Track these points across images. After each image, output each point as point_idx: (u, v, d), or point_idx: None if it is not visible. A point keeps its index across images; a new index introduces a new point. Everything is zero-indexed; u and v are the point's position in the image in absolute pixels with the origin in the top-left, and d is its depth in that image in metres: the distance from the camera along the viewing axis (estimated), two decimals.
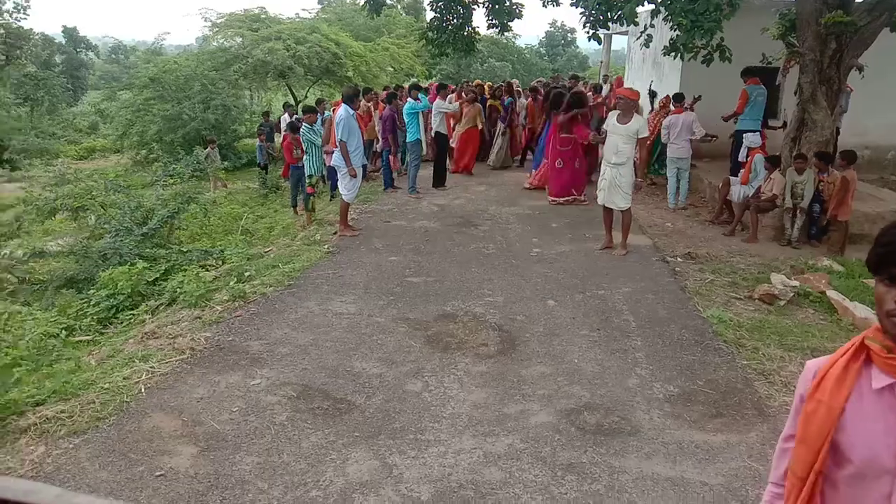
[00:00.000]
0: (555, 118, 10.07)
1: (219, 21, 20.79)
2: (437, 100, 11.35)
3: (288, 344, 4.99)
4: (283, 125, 12.50)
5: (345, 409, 4.05)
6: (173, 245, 8.66)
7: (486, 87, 14.12)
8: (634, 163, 7.39)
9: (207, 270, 7.28)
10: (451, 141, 12.01)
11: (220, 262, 7.73)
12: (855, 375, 1.45)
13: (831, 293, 6.10)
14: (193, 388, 4.32)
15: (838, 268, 7.11)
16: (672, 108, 10.33)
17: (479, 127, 12.35)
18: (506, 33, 13.91)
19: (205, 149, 11.50)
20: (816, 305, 6.03)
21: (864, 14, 8.13)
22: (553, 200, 10.09)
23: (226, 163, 15.02)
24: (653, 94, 12.53)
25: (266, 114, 17.08)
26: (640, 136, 7.13)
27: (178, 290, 6.41)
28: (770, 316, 5.70)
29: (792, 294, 6.09)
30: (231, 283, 6.38)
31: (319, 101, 14.23)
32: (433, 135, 11.36)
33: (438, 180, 11.21)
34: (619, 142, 7.18)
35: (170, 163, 10.88)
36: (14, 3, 32.39)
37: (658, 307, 5.84)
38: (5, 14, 32.22)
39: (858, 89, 9.56)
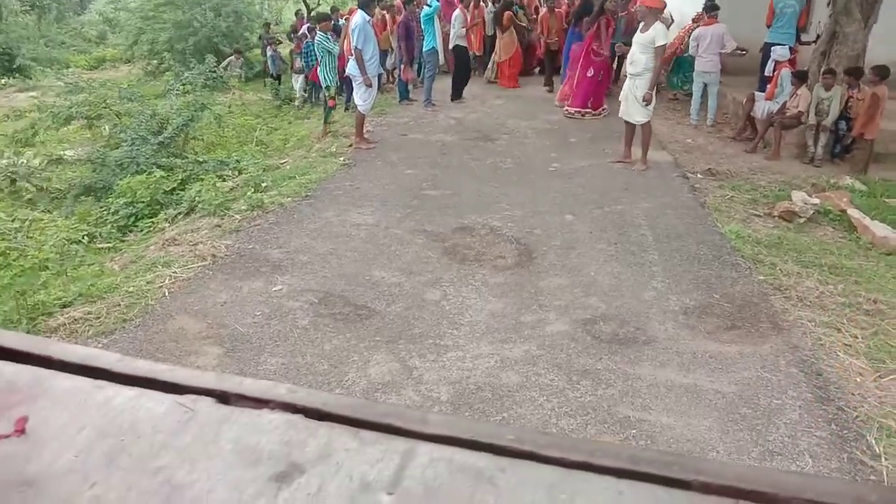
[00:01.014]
0: (589, 28, 9.72)
1: None
2: (457, 10, 10.91)
3: (307, 252, 5.04)
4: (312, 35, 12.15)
5: (365, 314, 4.13)
6: (189, 155, 8.62)
7: None
8: None
9: (224, 180, 7.29)
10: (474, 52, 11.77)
11: (237, 173, 7.72)
12: None
13: (852, 211, 6.04)
14: (216, 293, 4.41)
15: (861, 187, 7.01)
16: (705, 18, 9.88)
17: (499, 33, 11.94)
18: None
19: (211, 57, 11.19)
20: (836, 223, 5.99)
21: None
22: (571, 111, 9.92)
23: (238, 71, 14.74)
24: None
25: (267, 25, 16.61)
26: (655, 45, 6.92)
27: (196, 198, 6.44)
28: (789, 233, 5.67)
29: (812, 211, 6.03)
30: (248, 193, 6.40)
31: (334, 9, 13.82)
32: (451, 47, 11.01)
33: (456, 93, 10.98)
34: (636, 51, 7.07)
35: (182, 72, 10.69)
36: None
37: (676, 222, 5.82)
38: None
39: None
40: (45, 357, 0.69)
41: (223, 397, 0.56)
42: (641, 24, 7.05)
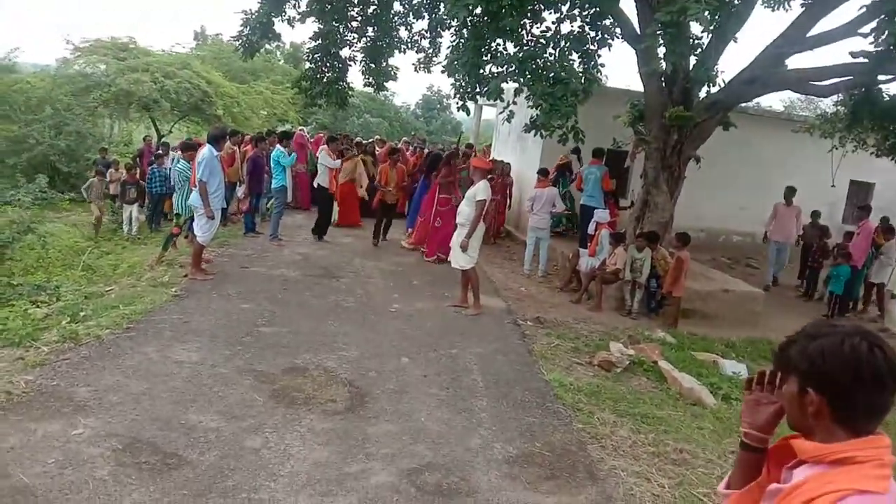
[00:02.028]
0: (435, 179, 10.37)
1: (82, 45, 19.66)
2: (322, 153, 11.21)
3: (119, 392, 4.65)
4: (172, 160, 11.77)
5: (174, 464, 3.81)
6: (2, 277, 7.89)
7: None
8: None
9: (38, 307, 6.70)
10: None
11: (54, 299, 7.14)
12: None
13: (662, 363, 6.58)
14: (4, 437, 3.90)
15: (671, 340, 7.71)
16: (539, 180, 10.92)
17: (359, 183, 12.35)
18: (383, 92, 14.21)
19: (42, 177, 10.55)
20: (649, 374, 6.47)
21: (702, 111, 9.10)
22: (428, 259, 10.32)
23: (72, 193, 13.95)
24: (577, 151, 11.83)
25: (104, 150, 16.15)
26: (476, 199, 7.51)
27: (1, 326, 5.84)
28: (607, 382, 6.05)
29: (628, 362, 6.51)
30: (63, 323, 5.92)
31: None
32: (315, 185, 11.24)
33: (319, 232, 11.09)
34: (464, 204, 7.71)
35: (7, 188, 9.99)
36: None
37: (506, 368, 6.04)
38: None
39: (696, 178, 10.60)
40: None
41: None
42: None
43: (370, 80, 12.97)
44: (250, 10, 11.03)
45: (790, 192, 11.67)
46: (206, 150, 7.78)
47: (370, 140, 17.12)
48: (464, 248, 7.52)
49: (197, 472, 3.74)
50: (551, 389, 5.60)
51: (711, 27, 7.16)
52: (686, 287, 8.72)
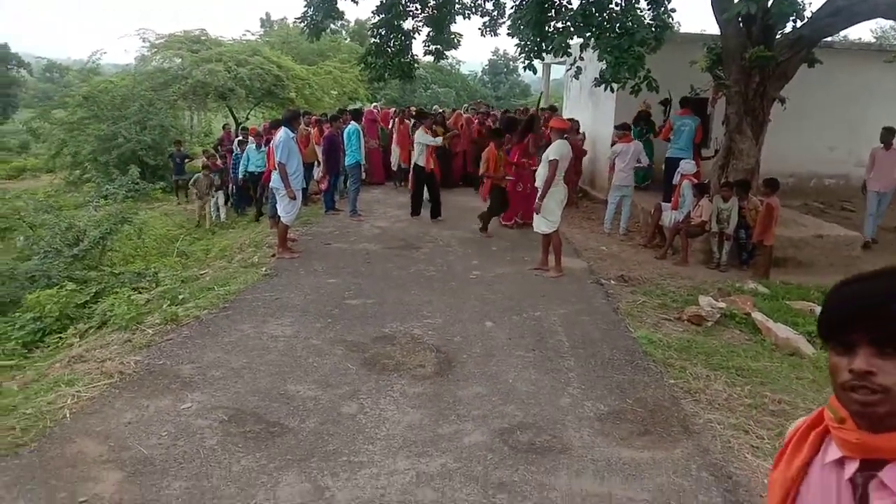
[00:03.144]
0: (514, 145, 10.19)
1: (157, 42, 20.44)
2: (419, 131, 10.59)
3: (221, 367, 4.91)
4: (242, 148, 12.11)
5: (277, 432, 4.00)
6: (105, 267, 8.42)
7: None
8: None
9: (140, 293, 7.11)
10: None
11: (154, 285, 7.55)
12: (813, 445, 1.28)
13: (756, 314, 6.36)
14: (121, 413, 4.20)
15: (763, 290, 7.43)
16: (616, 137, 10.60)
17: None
18: (448, 61, 14.13)
19: (135, 168, 11.07)
20: (742, 326, 6.28)
21: (784, 49, 8.60)
22: (505, 223, 10.26)
23: (161, 183, 14.64)
24: (667, 102, 11.26)
25: (178, 143, 16.68)
26: (549, 159, 7.38)
27: (108, 312, 6.25)
28: (698, 336, 5.91)
29: (719, 315, 6.33)
30: (164, 306, 6.25)
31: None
32: (412, 166, 10.91)
33: (433, 212, 10.70)
34: (540, 167, 7.56)
35: (103, 183, 10.59)
36: None
37: (591, 328, 5.99)
38: None
39: (781, 121, 10.06)
40: None
41: None
42: None
43: (431, 48, 12.91)
44: None
45: (888, 133, 10.02)
46: (282, 133, 7.98)
47: (439, 111, 17.06)
48: (537, 210, 7.45)
49: (299, 438, 3.92)
50: (640, 347, 5.52)
51: None
52: (777, 235, 8.35)
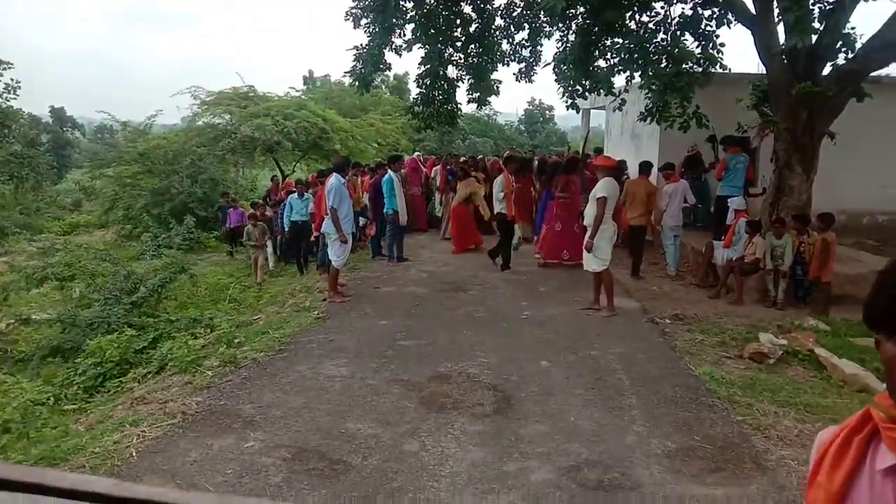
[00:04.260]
0: (553, 184, 10.24)
1: (208, 99, 21.24)
2: (499, 178, 10.12)
3: (281, 407, 4.93)
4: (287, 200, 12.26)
5: (341, 469, 3.98)
6: (162, 314, 8.61)
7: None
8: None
9: (196, 338, 7.23)
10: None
11: (209, 330, 7.68)
12: (857, 452, 1.15)
13: (819, 350, 6.17)
14: (186, 452, 4.24)
15: (824, 327, 7.21)
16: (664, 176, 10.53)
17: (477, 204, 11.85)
18: (486, 111, 14.34)
19: (189, 218, 11.36)
20: (805, 363, 6.09)
21: (832, 84, 8.53)
22: (543, 261, 10.23)
23: (215, 232, 15.00)
24: (713, 139, 11.07)
25: (225, 194, 16.93)
26: (596, 197, 7.35)
27: (167, 356, 6.37)
28: (760, 374, 5.75)
29: (781, 352, 6.16)
30: (221, 349, 6.34)
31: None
32: (496, 215, 10.29)
33: (504, 262, 10.16)
34: (588, 205, 7.54)
35: (160, 233, 10.92)
36: (5, 84, 32.97)
37: (650, 366, 5.87)
38: None
39: (832, 156, 9.91)
40: (37, 484, 0.70)
41: None
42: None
43: (473, 96, 13.16)
44: (361, 44, 11.50)
45: None
46: (333, 179, 8.16)
47: (480, 157, 17.24)
48: (588, 248, 7.41)
49: (363, 475, 3.90)
50: (703, 384, 5.39)
51: None
52: (834, 272, 8.14)
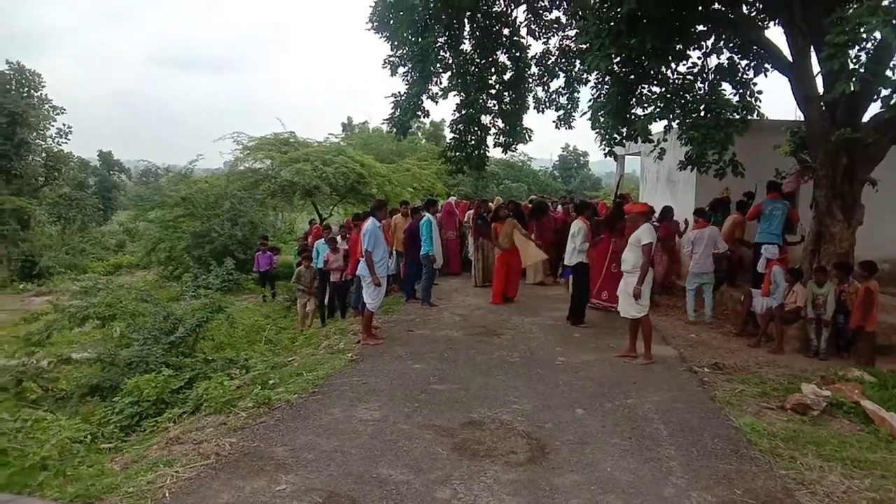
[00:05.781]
0: (606, 232, 10.11)
1: (250, 144, 21.86)
2: (578, 221, 9.53)
3: (313, 450, 4.92)
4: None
5: None
6: (199, 354, 8.72)
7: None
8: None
9: (232, 378, 7.29)
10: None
11: (244, 371, 7.74)
12: None
13: (866, 403, 5.96)
14: (218, 493, 4.24)
15: (870, 378, 6.97)
16: (693, 222, 10.47)
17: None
18: (519, 156, 14.48)
19: (229, 260, 11.54)
20: (851, 416, 5.89)
21: (871, 131, 8.42)
22: (596, 304, 10.13)
23: (254, 274, 15.24)
24: (751, 196, 11.02)
25: (264, 238, 17.04)
26: (642, 244, 7.31)
27: (202, 396, 6.42)
28: (804, 426, 5.56)
29: (825, 404, 5.96)
30: (255, 391, 6.37)
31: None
32: (573, 263, 9.55)
33: (577, 316, 9.56)
34: (627, 250, 7.51)
35: (200, 274, 11.14)
36: (57, 129, 34.48)
37: (689, 416, 5.73)
38: (48, 139, 34.21)
39: (874, 203, 9.71)
40: None
41: None
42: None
43: (501, 140, 13.30)
44: (400, 92, 11.78)
45: None
46: (369, 223, 8.26)
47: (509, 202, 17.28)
48: (636, 295, 7.33)
49: None
50: (743, 435, 5.23)
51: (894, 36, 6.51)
52: (879, 321, 7.90)
